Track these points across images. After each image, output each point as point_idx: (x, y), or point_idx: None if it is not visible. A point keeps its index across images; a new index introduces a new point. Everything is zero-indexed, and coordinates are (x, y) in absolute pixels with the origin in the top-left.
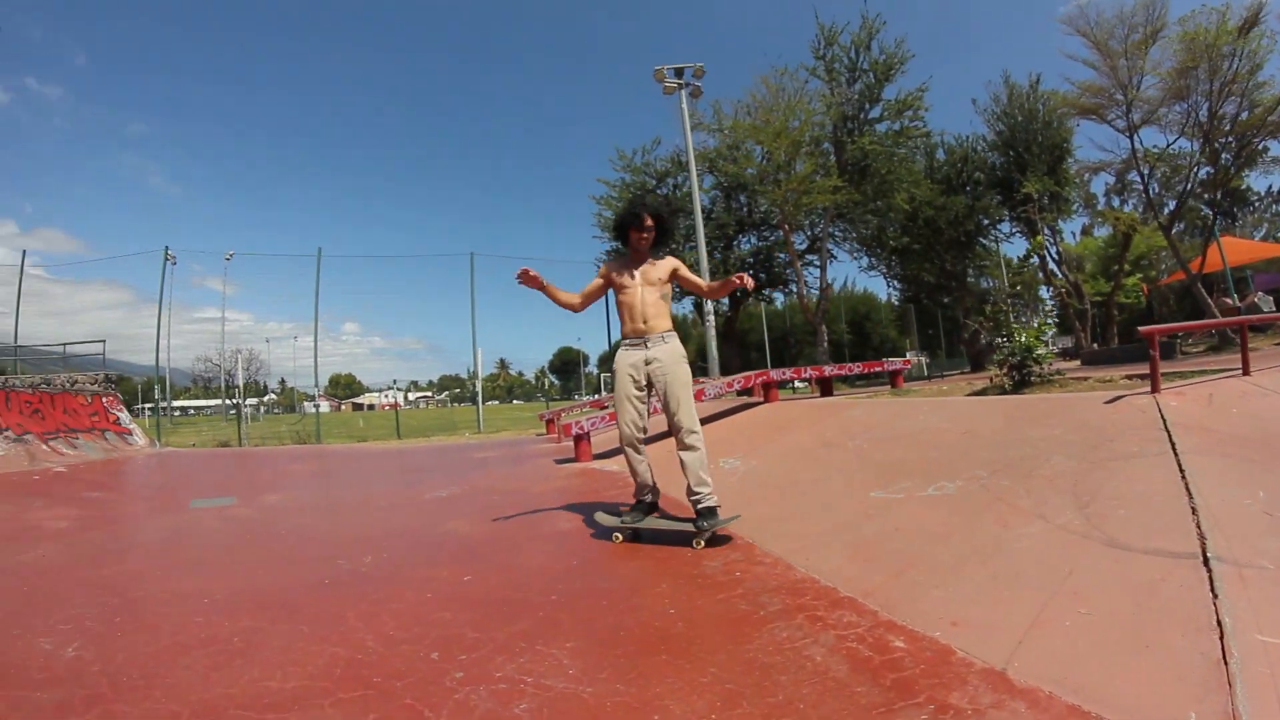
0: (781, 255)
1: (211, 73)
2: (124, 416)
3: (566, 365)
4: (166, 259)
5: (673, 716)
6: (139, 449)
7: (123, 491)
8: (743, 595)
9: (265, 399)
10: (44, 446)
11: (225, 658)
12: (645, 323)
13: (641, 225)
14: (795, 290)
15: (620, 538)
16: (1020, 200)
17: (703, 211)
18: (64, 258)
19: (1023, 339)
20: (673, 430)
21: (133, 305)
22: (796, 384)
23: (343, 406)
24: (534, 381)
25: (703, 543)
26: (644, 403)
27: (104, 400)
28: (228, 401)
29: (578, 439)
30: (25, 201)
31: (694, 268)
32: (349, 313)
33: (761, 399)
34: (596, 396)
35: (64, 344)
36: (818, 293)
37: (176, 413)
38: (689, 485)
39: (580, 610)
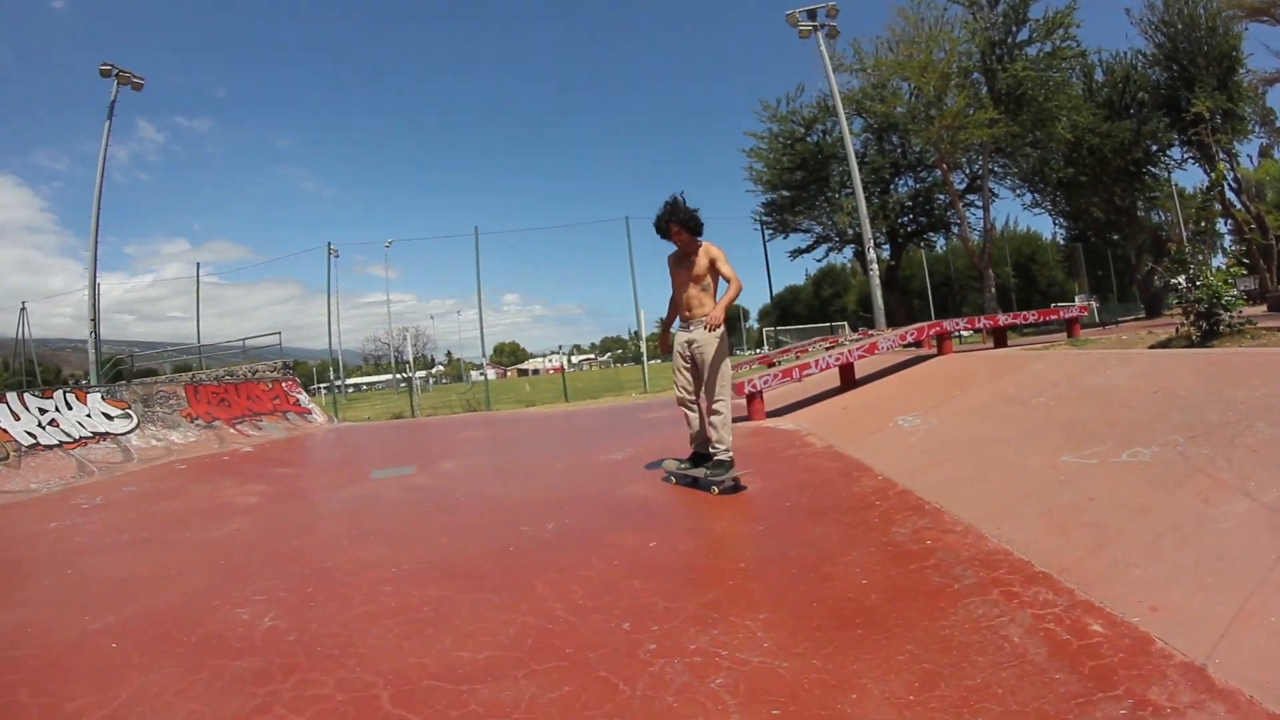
0: (941, 196)
1: (349, 74)
2: (303, 397)
3: (728, 321)
4: (330, 253)
5: (870, 696)
6: (318, 426)
7: (306, 466)
8: (935, 566)
9: (433, 371)
10: (231, 430)
11: (416, 627)
12: (689, 310)
13: (668, 235)
14: (957, 233)
15: (673, 480)
16: (1190, 121)
17: (856, 156)
18: (233, 264)
19: (1210, 282)
20: (705, 395)
21: (302, 298)
22: (963, 333)
23: (508, 373)
24: None
25: (717, 490)
26: (690, 371)
27: (283, 384)
28: (398, 376)
29: (750, 397)
30: (193, 220)
31: (851, 214)
32: (509, 284)
33: (934, 351)
34: (760, 350)
35: (243, 339)
36: (980, 234)
37: (350, 389)
38: (711, 440)
39: (770, 579)
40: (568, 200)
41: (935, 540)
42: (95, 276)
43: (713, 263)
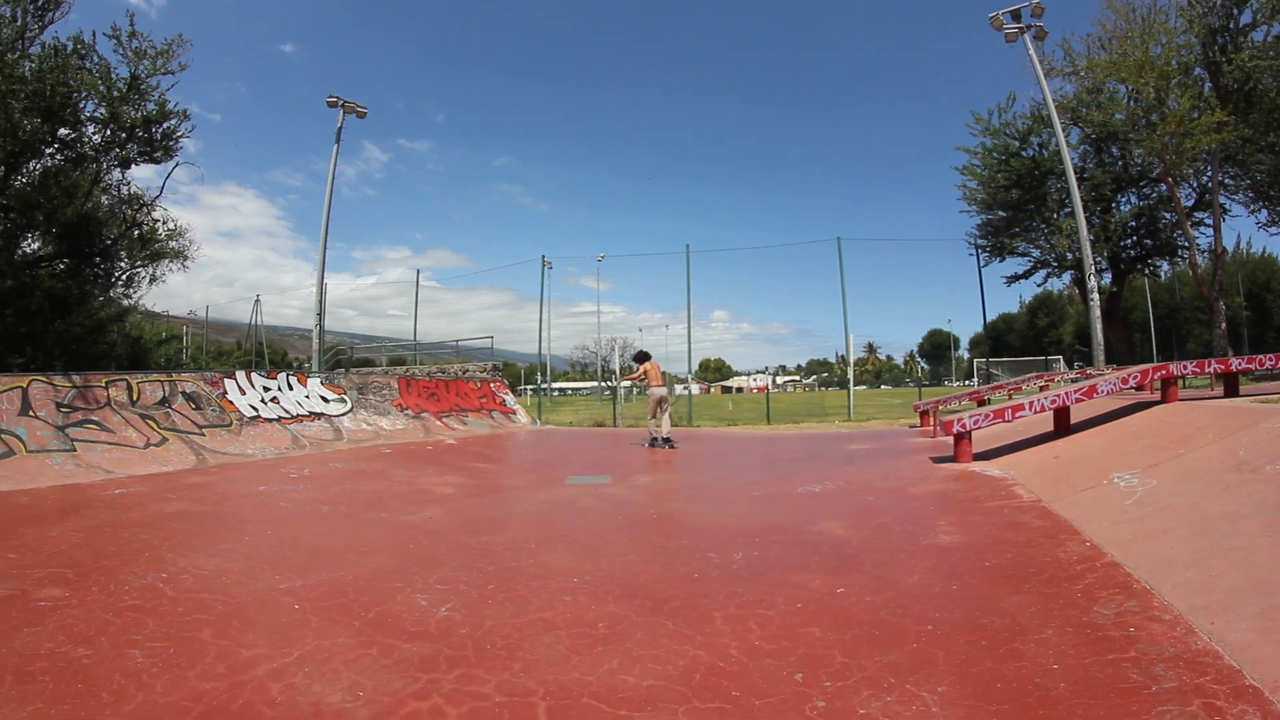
0: (1167, 215)
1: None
2: (509, 398)
3: (936, 349)
4: (544, 265)
5: None
6: (521, 426)
7: (505, 464)
8: (1134, 661)
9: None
10: (438, 422)
11: (588, 643)
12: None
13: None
14: (1185, 257)
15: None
16: None
17: (1074, 171)
18: (451, 270)
19: None
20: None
21: (514, 304)
22: (1188, 376)
23: (712, 389)
24: (902, 366)
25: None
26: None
27: (492, 385)
28: (602, 384)
29: (958, 437)
30: (415, 230)
31: (1070, 237)
32: (718, 301)
33: (1158, 397)
34: (968, 383)
35: (457, 340)
36: (1209, 257)
37: (555, 393)
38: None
39: (956, 648)
40: (779, 219)
41: (1139, 628)
42: (323, 279)
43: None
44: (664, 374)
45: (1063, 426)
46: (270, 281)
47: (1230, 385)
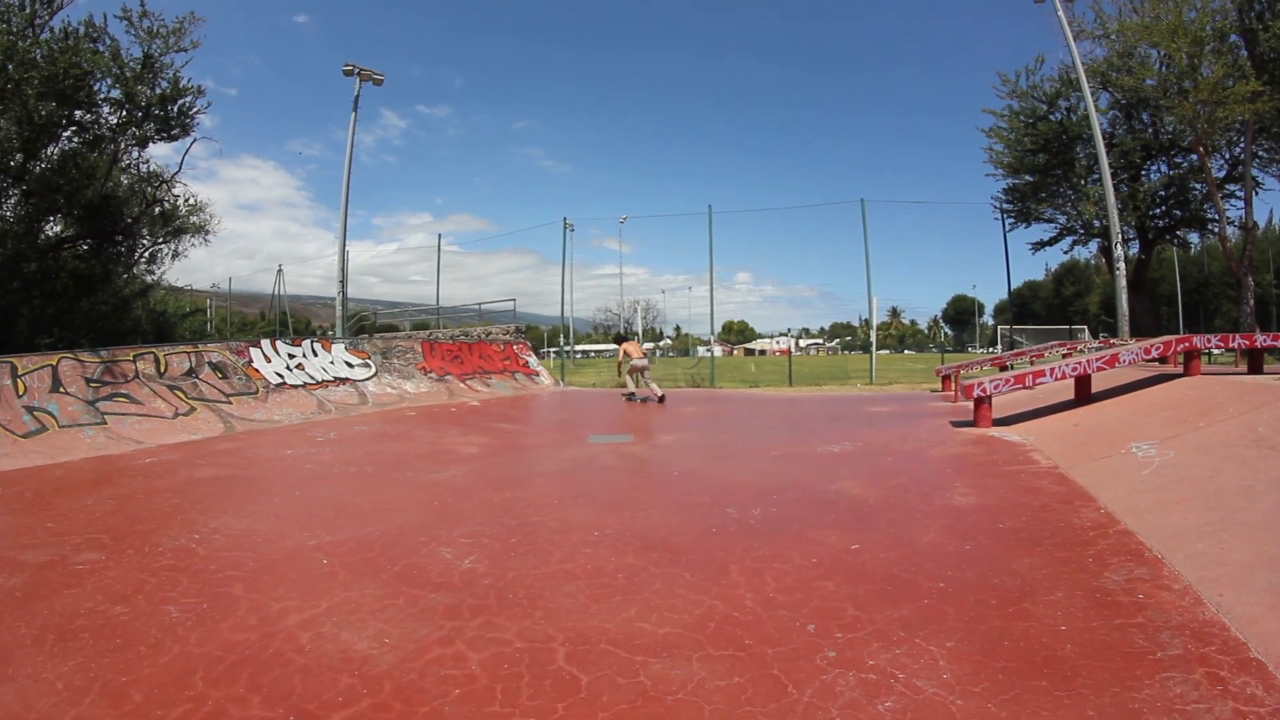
0: (1197, 186)
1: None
2: (532, 360)
3: (960, 315)
4: (566, 227)
5: None
6: (544, 388)
7: (528, 424)
8: (1140, 626)
9: (661, 344)
10: (461, 385)
11: (606, 592)
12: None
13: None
14: (1215, 230)
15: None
16: None
17: (1103, 137)
18: (473, 234)
19: None
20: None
21: (537, 267)
22: (1214, 349)
23: (735, 351)
24: (926, 331)
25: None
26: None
27: (515, 347)
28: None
29: (978, 402)
30: (435, 195)
31: (1098, 204)
32: (741, 263)
33: (1180, 370)
34: (992, 350)
35: (480, 303)
36: (1239, 231)
37: (579, 355)
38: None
39: (966, 606)
40: (802, 182)
41: (1148, 596)
42: (344, 246)
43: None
44: (687, 335)
45: (1083, 395)
46: (291, 252)
47: (1255, 362)
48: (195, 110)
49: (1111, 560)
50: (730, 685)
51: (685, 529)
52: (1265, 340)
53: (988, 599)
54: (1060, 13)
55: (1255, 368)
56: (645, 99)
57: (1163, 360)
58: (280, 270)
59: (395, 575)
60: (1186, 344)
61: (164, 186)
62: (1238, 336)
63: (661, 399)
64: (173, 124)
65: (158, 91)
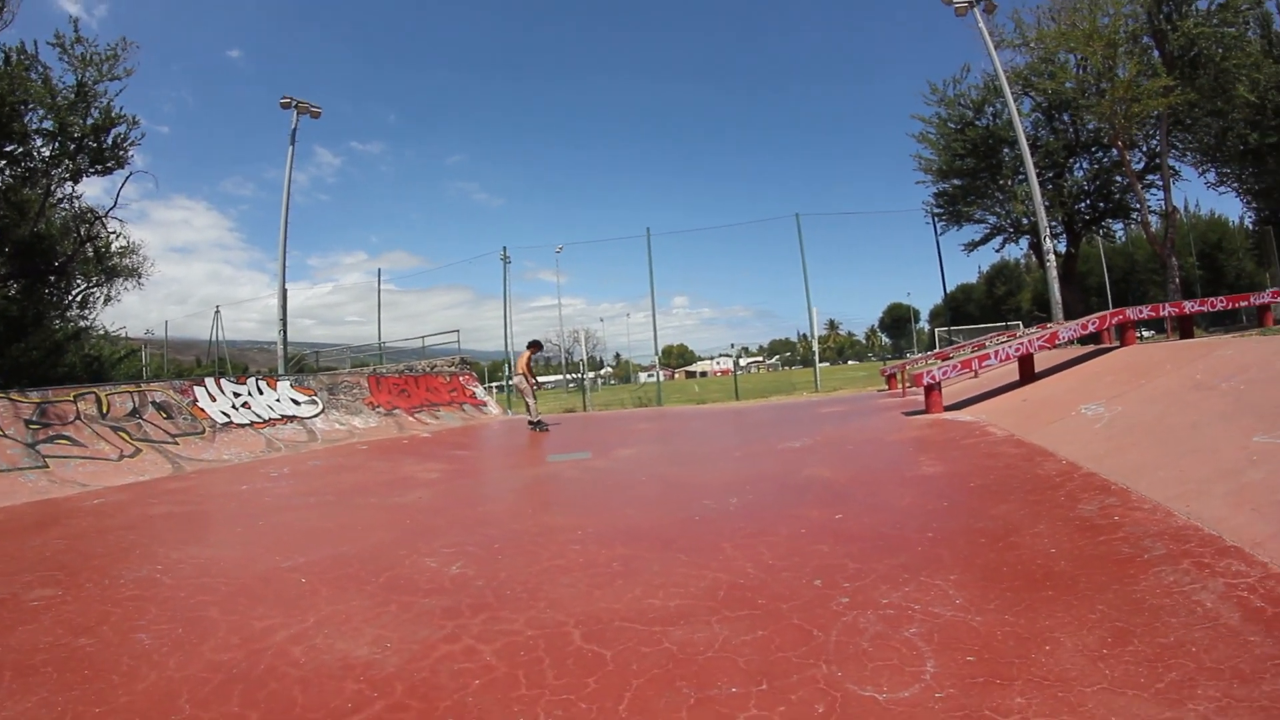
0: (1119, 178)
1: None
2: (479, 390)
3: (897, 322)
4: (504, 258)
5: (1064, 649)
6: (493, 417)
7: (484, 450)
8: (1124, 539)
9: (602, 372)
10: (410, 418)
11: (605, 579)
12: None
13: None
14: (1138, 219)
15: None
16: None
17: (1027, 139)
18: (409, 272)
19: None
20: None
21: (473, 303)
22: (1144, 332)
23: (676, 375)
24: (864, 341)
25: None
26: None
27: (461, 379)
28: (567, 376)
29: (928, 389)
30: (370, 233)
31: (1025, 202)
32: (678, 287)
33: (1115, 344)
34: (932, 353)
35: (423, 336)
36: (1160, 218)
37: None
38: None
39: (959, 547)
40: (737, 203)
41: (1123, 516)
42: (284, 281)
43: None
44: (628, 362)
45: (1027, 374)
46: (225, 295)
47: (1185, 329)
48: (129, 142)
49: (1082, 496)
50: (756, 639)
51: (667, 521)
52: (1194, 306)
53: (976, 539)
54: (982, 25)
55: (1186, 335)
56: (577, 127)
57: (1098, 338)
58: (218, 311)
59: (381, 586)
60: (1120, 317)
61: (98, 224)
62: (1167, 305)
63: (537, 425)
64: (106, 156)
65: (90, 121)
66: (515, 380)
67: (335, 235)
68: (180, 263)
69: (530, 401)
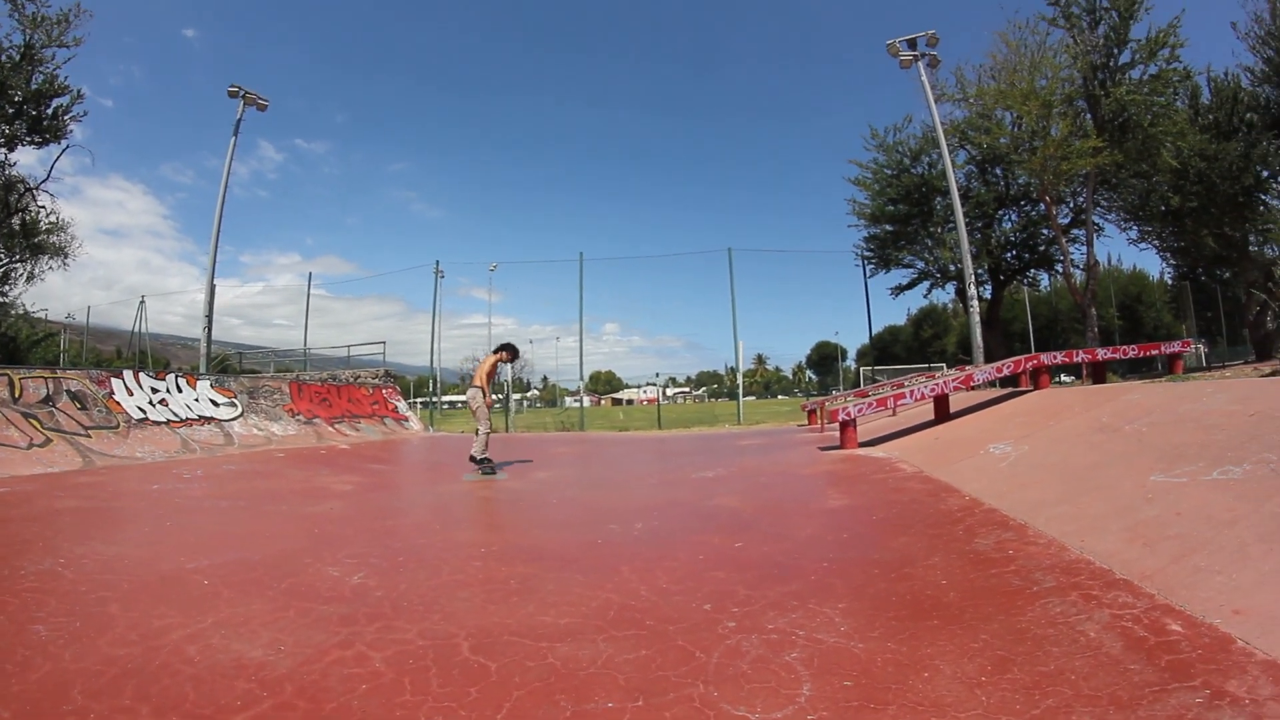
0: (1045, 231)
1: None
2: (401, 404)
3: (824, 360)
4: (436, 272)
5: (942, 676)
6: (414, 433)
7: (400, 465)
8: (1015, 572)
9: (528, 394)
10: (330, 428)
11: (502, 595)
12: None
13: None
14: (1060, 270)
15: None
16: None
17: (959, 189)
18: (341, 278)
19: None
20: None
21: (404, 315)
22: (1064, 378)
23: (602, 401)
24: (791, 377)
25: (481, 472)
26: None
27: (384, 391)
28: (494, 396)
29: (844, 425)
30: (306, 236)
31: (954, 250)
32: (609, 314)
33: (1030, 387)
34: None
35: (348, 345)
36: (1083, 270)
37: (446, 405)
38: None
39: (852, 577)
40: (672, 233)
41: (1017, 550)
42: (215, 260)
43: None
44: (555, 385)
45: (942, 414)
46: (153, 285)
47: (1098, 374)
48: (70, 115)
49: (980, 530)
50: (639, 658)
51: (571, 542)
52: (1106, 353)
53: (871, 570)
54: (924, 78)
55: (1099, 379)
56: (520, 146)
57: (1015, 381)
58: (143, 302)
59: (283, 591)
60: (1034, 361)
61: (28, 195)
62: (1080, 352)
63: (483, 462)
64: (45, 127)
65: (33, 87)
66: (469, 394)
67: (271, 234)
68: (110, 246)
69: (483, 427)
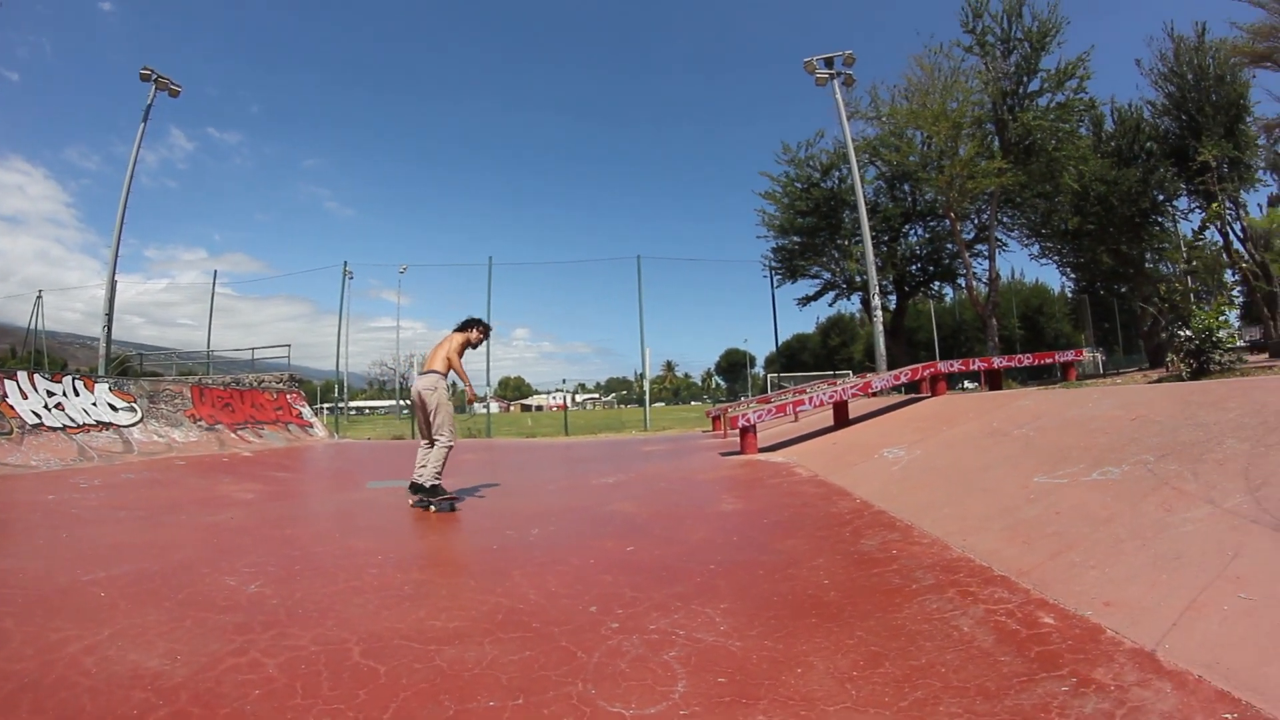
0: (949, 246)
1: (378, 101)
2: (306, 410)
3: (733, 366)
4: (345, 273)
5: (816, 671)
6: (319, 439)
7: (304, 472)
8: (897, 571)
9: None
10: (232, 435)
11: (394, 601)
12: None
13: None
14: (963, 283)
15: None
16: (1196, 170)
17: (867, 204)
18: (248, 276)
19: (1201, 321)
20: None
21: (312, 317)
22: (966, 385)
23: (511, 408)
24: (700, 384)
25: (433, 509)
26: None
27: (288, 397)
28: (401, 402)
29: (744, 431)
30: (214, 231)
31: (860, 261)
32: (519, 319)
33: (929, 394)
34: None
35: (253, 348)
36: (985, 284)
37: (353, 411)
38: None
39: (737, 578)
40: (583, 238)
41: (900, 550)
42: (117, 254)
43: (451, 343)
44: (461, 391)
45: (842, 420)
46: (52, 279)
47: (994, 382)
48: None
49: (867, 532)
50: (522, 659)
51: (466, 548)
52: (1001, 361)
53: (756, 571)
54: (838, 96)
55: (995, 387)
56: (433, 148)
57: (915, 388)
58: (40, 296)
59: (179, 602)
60: (932, 369)
61: None
62: (977, 360)
63: (432, 490)
64: None
65: None
66: (425, 384)
67: (177, 227)
68: (6, 233)
69: (443, 438)
